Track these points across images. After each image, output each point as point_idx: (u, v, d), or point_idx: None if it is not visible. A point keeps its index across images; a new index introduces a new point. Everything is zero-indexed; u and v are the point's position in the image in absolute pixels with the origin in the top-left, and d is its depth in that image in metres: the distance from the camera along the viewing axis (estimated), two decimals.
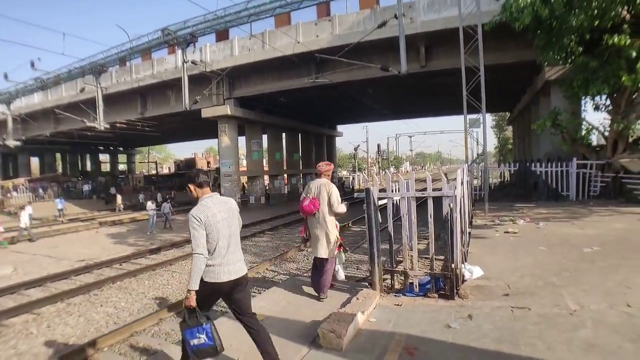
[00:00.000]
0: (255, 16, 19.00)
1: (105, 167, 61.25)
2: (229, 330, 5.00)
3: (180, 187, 51.18)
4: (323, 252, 5.90)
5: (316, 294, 6.13)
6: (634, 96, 15.35)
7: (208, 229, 3.59)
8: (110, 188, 42.19)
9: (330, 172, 6.05)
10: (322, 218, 5.87)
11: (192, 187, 3.81)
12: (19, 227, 18.66)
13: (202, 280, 3.63)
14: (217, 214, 3.67)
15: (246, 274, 3.90)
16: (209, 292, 3.76)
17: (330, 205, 5.86)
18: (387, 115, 41.10)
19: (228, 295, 3.87)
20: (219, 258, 3.66)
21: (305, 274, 10.49)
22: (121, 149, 59.41)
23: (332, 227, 5.95)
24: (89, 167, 58.10)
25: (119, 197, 32.34)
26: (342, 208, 5.99)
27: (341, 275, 7.53)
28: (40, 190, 40.11)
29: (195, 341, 3.73)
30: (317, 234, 5.92)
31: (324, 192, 5.86)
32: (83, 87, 27.86)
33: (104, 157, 61.56)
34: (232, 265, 3.75)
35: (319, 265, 6.06)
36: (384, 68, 17.87)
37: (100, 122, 25.43)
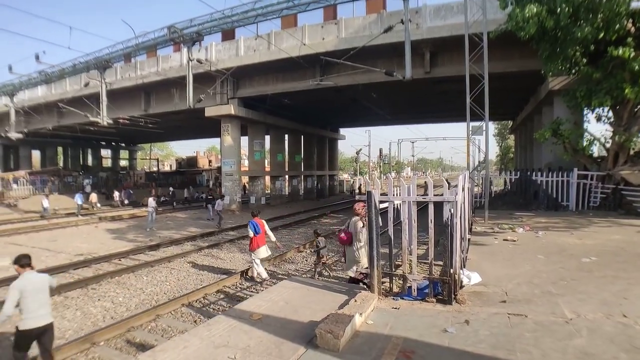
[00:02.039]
0: (262, 16, 19.04)
1: (107, 163, 61.21)
2: (225, 330, 5.06)
3: (181, 184, 51.38)
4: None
5: (314, 295, 6.18)
6: (636, 109, 15.39)
7: (22, 294, 4.89)
8: (86, 186, 41.09)
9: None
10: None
11: (16, 267, 5.18)
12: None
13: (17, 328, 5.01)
14: (29, 285, 4.98)
15: (51, 322, 5.22)
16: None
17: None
18: (390, 120, 41.11)
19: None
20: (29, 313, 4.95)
21: (303, 275, 10.54)
22: (123, 144, 59.44)
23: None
24: (90, 162, 58.07)
25: (93, 195, 31.63)
26: None
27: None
28: (39, 184, 40.06)
29: None
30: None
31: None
32: (87, 81, 27.87)
33: (105, 153, 61.49)
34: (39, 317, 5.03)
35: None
36: (388, 73, 17.91)
37: (103, 118, 25.45)
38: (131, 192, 36.42)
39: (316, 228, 17.57)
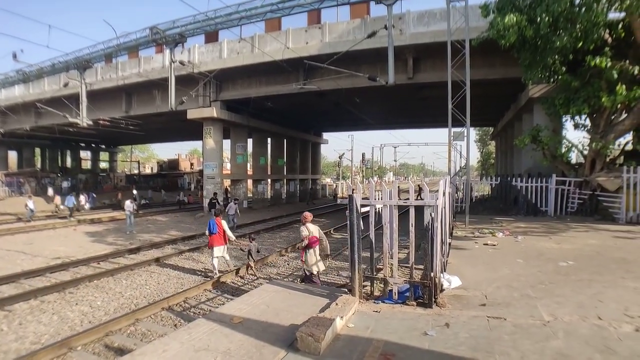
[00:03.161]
0: (246, 19, 18.98)
1: (86, 165, 60.11)
2: (205, 334, 5.01)
3: (162, 187, 50.84)
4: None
5: (295, 299, 6.16)
6: (612, 117, 15.83)
7: None
8: (49, 189, 38.60)
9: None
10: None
11: None
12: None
13: None
14: None
15: None
16: None
17: None
18: (373, 125, 41.40)
19: None
20: None
21: (285, 279, 10.51)
22: (103, 146, 58.47)
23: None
24: (69, 163, 56.94)
25: (57, 198, 30.40)
26: None
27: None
28: (15, 186, 38.90)
29: None
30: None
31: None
32: (67, 81, 27.38)
33: (85, 154, 60.38)
34: None
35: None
36: (371, 78, 18.04)
37: (83, 119, 25.00)
38: (94, 196, 34.78)
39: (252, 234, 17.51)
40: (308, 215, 8.55)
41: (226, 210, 19.57)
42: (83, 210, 29.93)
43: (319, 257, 8.39)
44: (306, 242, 8.21)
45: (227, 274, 11.02)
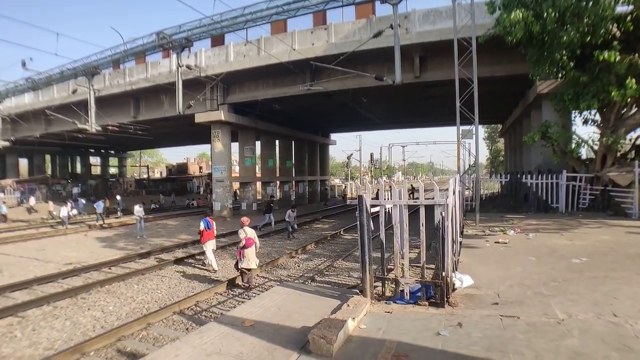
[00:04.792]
0: (252, 22, 19.05)
1: (96, 170, 60.70)
2: (217, 337, 5.01)
3: (171, 191, 51.19)
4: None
5: (307, 301, 6.15)
6: (622, 111, 15.62)
7: None
8: (31, 196, 36.68)
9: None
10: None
11: None
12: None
13: None
14: None
15: None
16: None
17: None
18: (381, 124, 41.29)
19: None
20: None
21: (296, 281, 10.50)
22: (112, 152, 59.00)
23: None
24: (79, 169, 57.55)
25: (50, 204, 30.20)
26: None
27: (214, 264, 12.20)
28: (27, 193, 38.94)
29: None
30: None
31: None
32: (75, 88, 27.65)
33: (94, 160, 61.02)
34: None
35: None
36: (378, 77, 18.00)
37: (92, 125, 25.23)
38: (83, 202, 33.72)
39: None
40: (245, 219, 10.42)
41: (285, 218, 18.92)
42: (69, 218, 29.27)
43: (254, 256, 10.08)
44: (243, 242, 9.89)
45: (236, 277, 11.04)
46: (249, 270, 10.03)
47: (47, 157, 54.63)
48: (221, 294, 9.90)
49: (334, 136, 49.19)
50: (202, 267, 12.89)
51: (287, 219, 18.70)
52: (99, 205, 25.80)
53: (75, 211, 30.61)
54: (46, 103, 31.78)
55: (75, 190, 43.82)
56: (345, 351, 4.52)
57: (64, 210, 23.98)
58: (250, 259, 9.94)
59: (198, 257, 14.35)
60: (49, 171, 54.72)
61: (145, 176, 70.33)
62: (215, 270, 12.19)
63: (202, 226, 12.24)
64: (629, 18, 13.37)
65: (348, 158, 62.98)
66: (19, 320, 8.31)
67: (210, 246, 12.35)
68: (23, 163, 52.58)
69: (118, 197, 34.39)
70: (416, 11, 19.32)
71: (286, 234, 18.87)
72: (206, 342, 4.86)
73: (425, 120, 42.25)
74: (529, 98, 21.39)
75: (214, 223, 12.75)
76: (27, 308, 8.94)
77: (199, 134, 35.85)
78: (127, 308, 9.03)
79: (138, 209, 19.70)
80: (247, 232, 10.07)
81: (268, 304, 6.33)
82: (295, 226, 19.48)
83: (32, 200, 30.02)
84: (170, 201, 42.69)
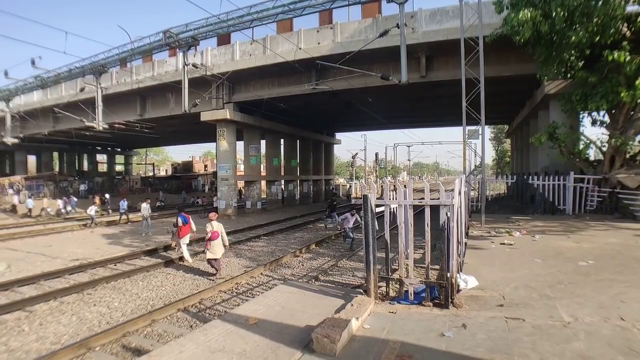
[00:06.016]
0: (258, 21, 19.03)
1: (103, 168, 61.09)
2: (221, 335, 5.01)
3: (178, 188, 51.45)
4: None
5: (310, 300, 6.15)
6: (632, 112, 15.46)
7: None
8: (81, 191, 38.55)
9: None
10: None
11: None
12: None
13: None
14: None
15: None
16: None
17: None
18: (386, 124, 41.15)
19: None
20: None
21: (300, 280, 10.50)
22: (119, 149, 59.29)
23: None
24: (86, 166, 57.88)
25: (44, 201, 30.26)
26: None
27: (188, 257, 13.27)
28: (34, 189, 39.20)
29: None
30: None
31: None
32: (83, 86, 27.76)
33: (101, 157, 61.38)
34: None
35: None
36: (384, 77, 17.93)
37: (99, 122, 25.32)
38: (75, 200, 33.24)
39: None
40: (212, 215, 11.74)
41: (344, 226, 15.74)
42: (62, 214, 29.97)
43: (220, 247, 11.20)
44: (209, 235, 11.06)
45: (241, 275, 11.06)
46: (216, 260, 11.21)
47: (55, 154, 55.00)
48: (225, 292, 9.93)
49: (339, 135, 49.13)
50: (207, 263, 12.92)
51: (345, 226, 15.67)
52: (123, 204, 25.32)
53: (69, 207, 31.03)
54: (54, 101, 31.96)
55: (82, 187, 44.09)
56: (348, 351, 4.51)
57: (58, 204, 24.12)
58: (216, 250, 11.11)
59: (202, 254, 14.38)
60: (56, 168, 55.12)
61: (150, 174, 70.61)
62: (190, 263, 13.12)
63: (179, 221, 13.16)
64: (639, 18, 13.25)
65: (353, 157, 62.86)
66: (26, 315, 8.39)
67: (186, 240, 13.34)
68: (31, 160, 52.99)
69: (107, 196, 34.72)
70: (423, 10, 19.22)
71: (348, 243, 15.69)
72: (210, 339, 4.88)
73: (431, 120, 42.09)
74: (536, 98, 21.24)
75: (190, 218, 13.66)
76: (34, 303, 9.03)
77: (205, 132, 35.94)
78: (132, 304, 9.08)
79: (145, 207, 19.83)
80: (214, 226, 11.23)
81: (272, 302, 6.34)
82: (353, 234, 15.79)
83: (45, 202, 30.27)
84: (182, 198, 43.42)
